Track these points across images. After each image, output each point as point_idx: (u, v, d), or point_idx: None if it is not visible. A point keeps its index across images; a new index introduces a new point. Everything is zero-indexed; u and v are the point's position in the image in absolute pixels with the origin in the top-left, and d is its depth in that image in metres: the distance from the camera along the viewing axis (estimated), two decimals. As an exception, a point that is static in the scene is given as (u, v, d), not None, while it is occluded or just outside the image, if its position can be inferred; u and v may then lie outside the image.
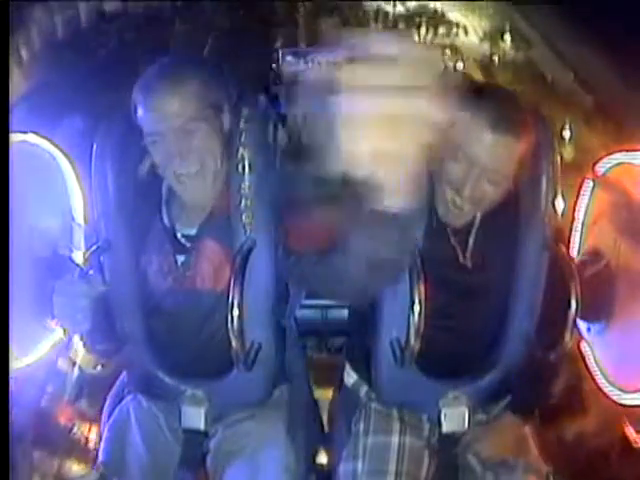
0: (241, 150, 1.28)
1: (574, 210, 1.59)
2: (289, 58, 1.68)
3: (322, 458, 1.62)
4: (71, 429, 1.90)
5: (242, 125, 1.29)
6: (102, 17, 2.26)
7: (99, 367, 1.85)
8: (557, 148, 1.37)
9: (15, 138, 1.44)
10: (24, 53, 1.85)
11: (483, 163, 1.21)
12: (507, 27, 2.63)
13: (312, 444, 1.53)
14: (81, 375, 1.90)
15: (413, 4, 2.80)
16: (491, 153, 1.21)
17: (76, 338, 1.67)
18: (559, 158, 1.37)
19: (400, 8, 2.83)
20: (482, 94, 1.24)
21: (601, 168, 1.54)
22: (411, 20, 2.87)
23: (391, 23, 2.83)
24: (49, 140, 1.53)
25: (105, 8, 2.27)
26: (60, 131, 1.65)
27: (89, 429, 1.92)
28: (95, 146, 1.36)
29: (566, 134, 2.22)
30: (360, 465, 1.39)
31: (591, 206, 1.57)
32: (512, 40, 2.64)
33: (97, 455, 1.46)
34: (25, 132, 1.49)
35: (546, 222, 1.37)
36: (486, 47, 2.71)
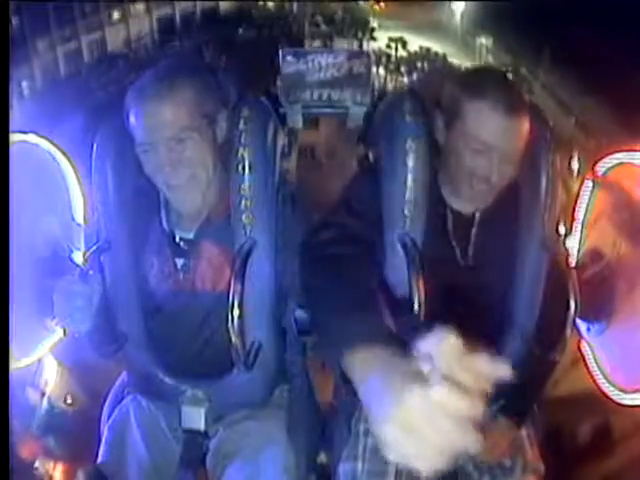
0: (241, 150, 1.28)
1: (574, 210, 1.59)
2: (289, 58, 1.68)
3: (322, 458, 1.62)
4: (33, 463, 1.85)
5: (242, 125, 1.29)
6: (105, 57, 2.26)
7: (69, 399, 1.81)
8: (556, 148, 1.37)
9: (15, 138, 1.44)
10: (25, 87, 1.84)
11: (502, 147, 1.25)
12: (508, 73, 2.67)
13: (312, 444, 1.53)
14: (50, 410, 1.83)
15: (415, 48, 2.85)
16: (507, 135, 1.24)
17: (47, 365, 1.63)
18: (559, 160, 1.37)
19: (402, 52, 2.88)
20: (483, 81, 1.27)
21: (601, 168, 1.54)
22: (413, 64, 2.92)
23: (393, 66, 2.88)
24: (49, 140, 1.52)
25: (108, 48, 2.28)
26: (60, 131, 1.65)
27: (54, 467, 1.87)
28: (95, 146, 1.36)
29: (574, 165, 2.22)
30: (360, 465, 1.39)
31: (591, 206, 1.57)
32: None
33: None
34: (25, 132, 1.49)
35: (546, 222, 1.37)
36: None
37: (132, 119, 1.23)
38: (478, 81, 1.27)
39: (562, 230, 1.48)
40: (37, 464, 1.85)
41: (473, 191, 1.30)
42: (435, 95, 1.33)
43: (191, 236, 1.34)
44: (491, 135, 1.24)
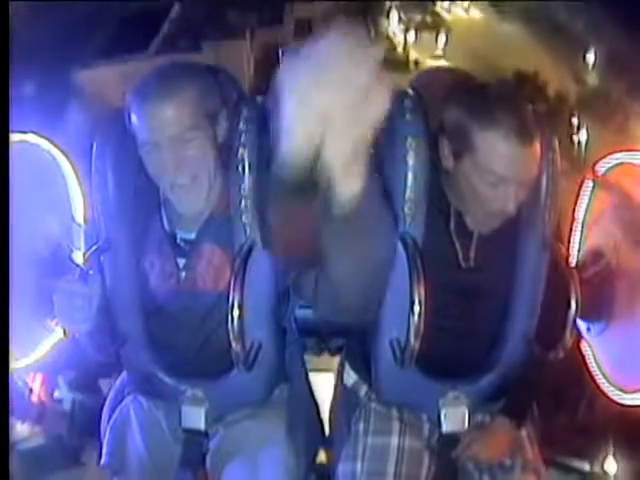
0: (241, 150, 1.28)
1: (574, 210, 1.59)
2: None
3: (322, 458, 1.62)
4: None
5: (242, 126, 1.29)
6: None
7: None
8: (557, 147, 1.37)
9: (15, 138, 1.45)
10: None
11: (519, 176, 1.24)
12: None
13: (312, 444, 1.53)
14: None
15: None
16: (523, 164, 1.23)
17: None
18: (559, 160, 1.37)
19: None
20: (491, 107, 1.23)
21: (601, 168, 1.54)
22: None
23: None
24: (49, 140, 1.52)
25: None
26: (60, 131, 1.65)
27: (33, 378, 1.78)
28: (95, 146, 1.36)
29: (590, 59, 2.16)
30: (359, 466, 1.39)
31: (591, 206, 1.57)
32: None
33: (41, 411, 1.38)
34: (25, 132, 1.49)
35: (546, 222, 1.37)
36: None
37: (134, 119, 1.23)
38: (486, 108, 1.23)
39: (562, 230, 1.48)
40: (15, 377, 1.75)
41: (484, 219, 1.31)
42: (437, 109, 1.31)
43: (192, 236, 1.34)
44: (506, 167, 1.22)
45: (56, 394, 1.56)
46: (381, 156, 1.36)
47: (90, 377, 1.48)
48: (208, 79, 1.30)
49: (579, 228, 1.59)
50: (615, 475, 1.75)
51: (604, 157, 1.53)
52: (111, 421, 1.48)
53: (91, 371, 1.50)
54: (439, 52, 7.79)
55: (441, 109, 1.30)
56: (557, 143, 1.38)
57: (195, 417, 1.38)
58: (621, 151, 1.50)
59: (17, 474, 1.63)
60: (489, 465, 1.43)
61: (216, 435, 1.43)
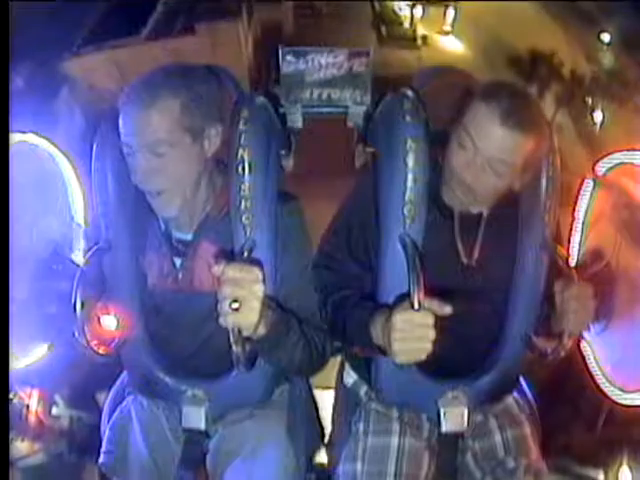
0: (241, 151, 1.28)
1: (574, 210, 1.59)
2: (289, 58, 1.68)
3: (322, 458, 1.62)
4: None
5: (242, 126, 1.29)
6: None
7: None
8: (557, 148, 1.37)
9: (15, 138, 1.45)
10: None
11: (489, 154, 1.24)
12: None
13: (312, 444, 1.54)
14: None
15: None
16: (498, 145, 1.23)
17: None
18: (559, 160, 1.37)
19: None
20: (496, 88, 1.26)
21: (601, 168, 1.54)
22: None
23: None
24: (49, 140, 1.53)
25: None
26: (60, 131, 1.65)
27: (29, 395, 1.77)
28: (95, 146, 1.36)
29: (605, 37, 2.15)
30: (359, 466, 1.39)
31: (591, 206, 1.57)
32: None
33: (40, 428, 1.37)
34: (25, 132, 1.49)
35: (546, 222, 1.37)
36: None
37: (119, 119, 1.24)
38: (493, 87, 1.27)
39: (562, 230, 1.48)
40: (11, 395, 1.72)
41: (454, 194, 1.32)
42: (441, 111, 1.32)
43: (189, 237, 1.35)
44: (482, 139, 1.23)
45: (54, 411, 1.54)
46: (381, 157, 1.37)
47: (87, 393, 1.46)
48: (200, 89, 1.25)
49: (579, 228, 1.59)
50: (629, 484, 1.76)
51: (604, 157, 1.54)
52: (111, 421, 1.48)
53: (88, 387, 1.48)
54: (447, 28, 7.62)
55: (443, 109, 1.30)
56: (557, 145, 1.38)
57: (195, 417, 1.38)
58: (621, 151, 1.50)
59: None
60: (492, 467, 1.42)
61: (216, 435, 1.43)
